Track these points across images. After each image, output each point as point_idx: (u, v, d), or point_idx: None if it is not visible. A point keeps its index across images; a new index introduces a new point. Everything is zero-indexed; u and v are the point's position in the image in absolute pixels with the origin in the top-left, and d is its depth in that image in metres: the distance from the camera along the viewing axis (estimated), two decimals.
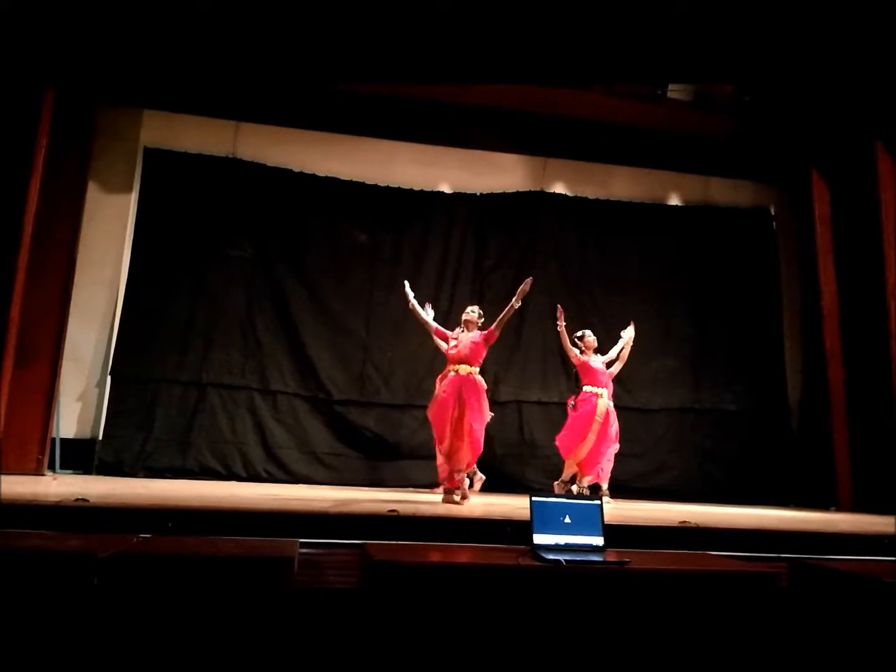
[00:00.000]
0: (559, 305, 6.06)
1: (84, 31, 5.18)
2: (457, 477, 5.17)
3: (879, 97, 6.29)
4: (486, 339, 5.31)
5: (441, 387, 5.31)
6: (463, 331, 5.42)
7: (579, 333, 6.23)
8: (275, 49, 5.50)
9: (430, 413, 5.36)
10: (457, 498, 5.10)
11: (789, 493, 7.53)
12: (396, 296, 7.03)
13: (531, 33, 5.01)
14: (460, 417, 5.14)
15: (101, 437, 6.70)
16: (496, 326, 5.28)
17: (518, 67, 5.64)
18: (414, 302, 5.63)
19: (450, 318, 6.03)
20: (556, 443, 6.20)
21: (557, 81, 6.83)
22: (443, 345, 5.54)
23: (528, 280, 5.26)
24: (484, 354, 5.39)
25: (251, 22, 5.05)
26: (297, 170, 7.49)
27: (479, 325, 5.43)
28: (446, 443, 5.16)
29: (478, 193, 7.91)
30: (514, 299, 5.22)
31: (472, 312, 5.46)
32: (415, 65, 5.60)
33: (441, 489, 5.46)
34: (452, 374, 5.27)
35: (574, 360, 6.19)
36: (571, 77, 6.51)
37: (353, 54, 5.49)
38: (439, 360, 6.08)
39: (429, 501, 5.22)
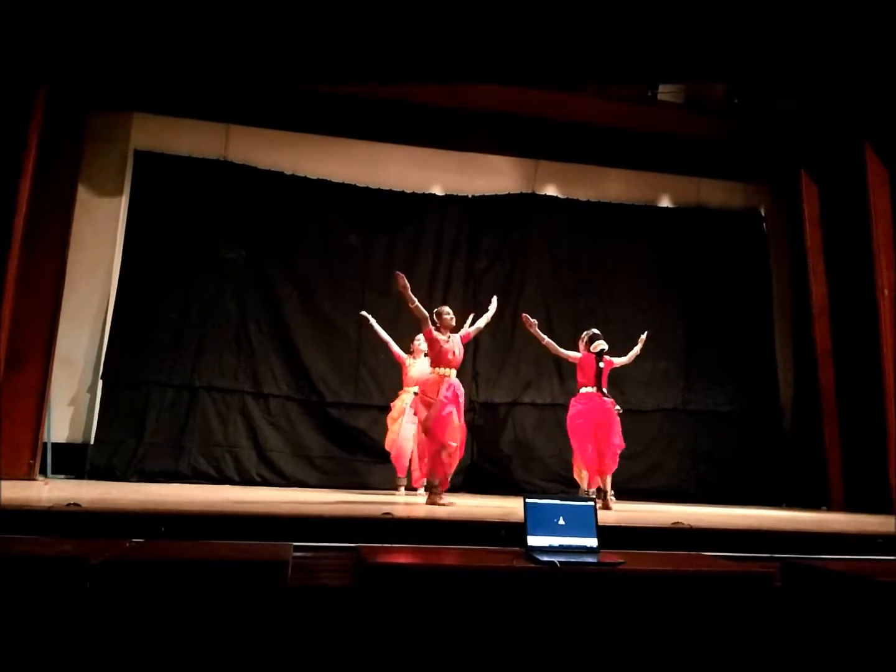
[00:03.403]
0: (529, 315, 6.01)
1: (76, 34, 5.17)
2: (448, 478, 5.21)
3: (868, 98, 6.34)
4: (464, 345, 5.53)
5: (441, 392, 5.25)
6: (448, 337, 5.40)
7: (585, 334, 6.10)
8: (266, 51, 5.50)
9: (434, 421, 5.23)
10: (450, 500, 5.12)
11: (781, 493, 7.58)
12: (389, 297, 7.07)
13: (529, 33, 5.03)
14: (458, 421, 5.26)
15: (92, 442, 6.67)
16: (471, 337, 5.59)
17: (515, 67, 5.66)
18: (412, 298, 5.41)
19: None
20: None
21: (551, 81, 6.85)
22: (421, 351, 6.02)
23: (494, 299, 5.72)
24: None
25: (241, 24, 5.05)
26: (288, 172, 7.48)
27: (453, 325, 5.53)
28: (454, 447, 5.20)
29: (470, 195, 7.91)
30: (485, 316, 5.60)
31: (450, 314, 5.50)
32: (408, 65, 5.61)
33: (428, 493, 5.48)
34: (448, 379, 5.28)
35: (576, 359, 6.03)
36: (566, 76, 6.53)
37: (343, 55, 5.50)
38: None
39: (422, 504, 5.22)
